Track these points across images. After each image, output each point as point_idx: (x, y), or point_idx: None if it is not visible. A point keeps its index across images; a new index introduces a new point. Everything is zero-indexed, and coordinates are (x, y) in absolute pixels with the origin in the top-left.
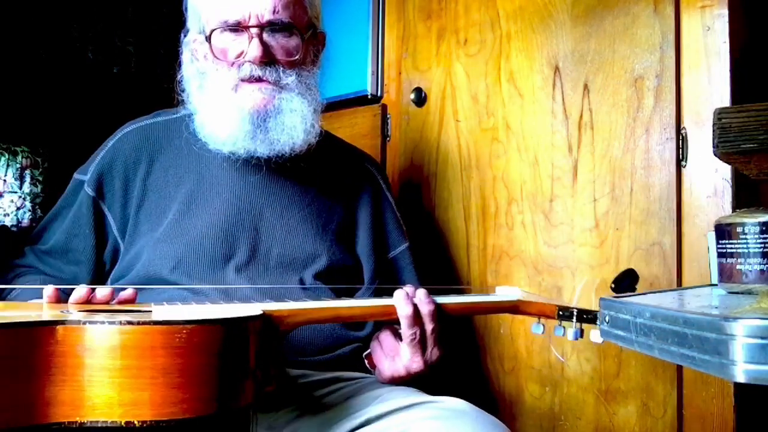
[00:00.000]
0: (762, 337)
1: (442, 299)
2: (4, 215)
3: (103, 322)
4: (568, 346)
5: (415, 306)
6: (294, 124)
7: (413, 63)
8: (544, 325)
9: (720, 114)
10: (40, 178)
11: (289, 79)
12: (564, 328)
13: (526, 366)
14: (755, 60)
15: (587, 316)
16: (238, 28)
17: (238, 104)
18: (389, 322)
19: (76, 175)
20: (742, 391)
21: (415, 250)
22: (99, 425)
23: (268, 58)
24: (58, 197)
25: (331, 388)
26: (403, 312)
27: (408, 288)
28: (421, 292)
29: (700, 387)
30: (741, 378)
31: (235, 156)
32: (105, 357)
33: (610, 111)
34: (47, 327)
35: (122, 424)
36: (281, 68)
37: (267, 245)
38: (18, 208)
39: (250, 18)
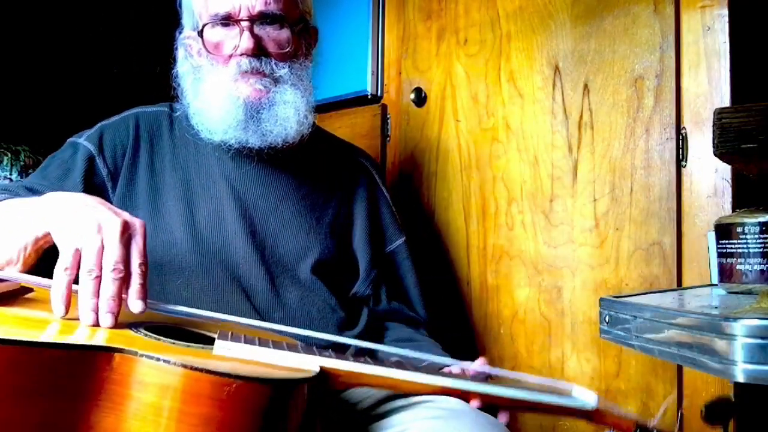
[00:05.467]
0: (762, 337)
1: (505, 392)
2: None
3: (158, 359)
4: (567, 344)
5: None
6: (287, 116)
7: (413, 63)
8: None
9: (720, 114)
10: None
11: (283, 71)
12: None
13: (526, 366)
14: (755, 60)
15: None
16: (229, 21)
17: (233, 94)
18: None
19: (71, 139)
20: (742, 391)
21: (412, 245)
22: None
23: (259, 51)
24: None
25: None
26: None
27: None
28: (490, 389)
29: (700, 387)
30: (741, 378)
31: (227, 145)
32: (153, 394)
33: (610, 111)
34: (105, 353)
35: None
36: (273, 61)
37: (261, 237)
38: None
39: (240, 11)
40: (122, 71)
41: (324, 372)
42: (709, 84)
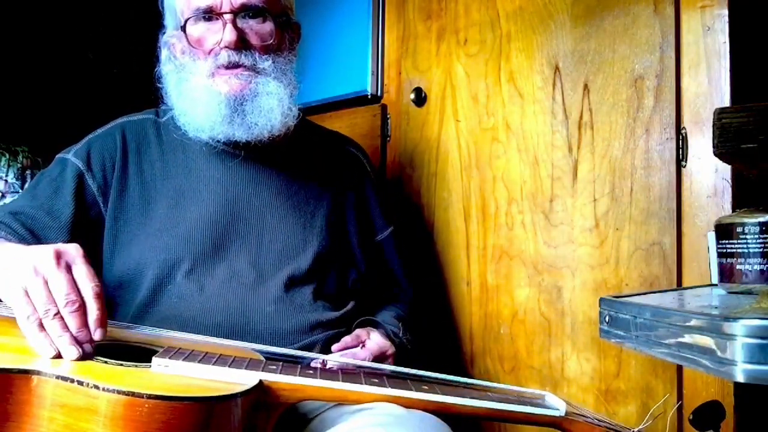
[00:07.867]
0: (762, 337)
1: (467, 402)
2: None
3: (72, 381)
4: (567, 344)
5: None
6: (271, 107)
7: (413, 63)
8: None
9: (720, 114)
10: None
11: (265, 63)
12: None
13: (526, 366)
14: (755, 60)
15: None
16: (211, 15)
17: (215, 90)
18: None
19: (59, 155)
20: (742, 391)
21: (400, 233)
22: None
23: (242, 44)
24: None
25: None
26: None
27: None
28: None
29: (700, 387)
30: (741, 378)
31: (214, 142)
32: (70, 416)
33: (610, 111)
34: (24, 375)
35: None
36: (256, 54)
37: (258, 234)
38: None
39: (222, 4)
40: (122, 71)
41: (264, 386)
42: (709, 84)
